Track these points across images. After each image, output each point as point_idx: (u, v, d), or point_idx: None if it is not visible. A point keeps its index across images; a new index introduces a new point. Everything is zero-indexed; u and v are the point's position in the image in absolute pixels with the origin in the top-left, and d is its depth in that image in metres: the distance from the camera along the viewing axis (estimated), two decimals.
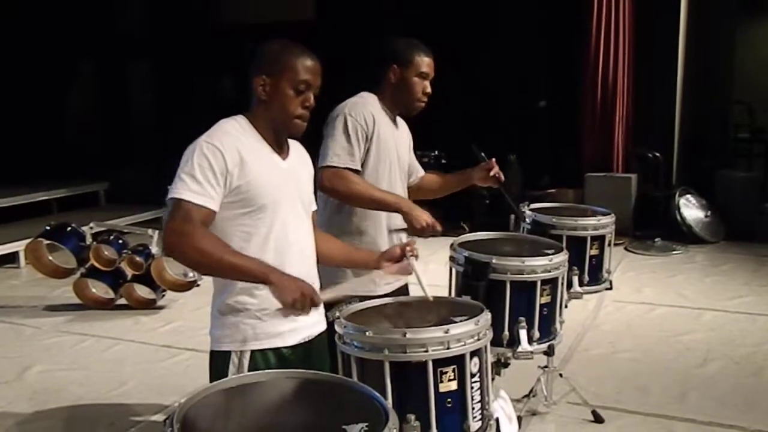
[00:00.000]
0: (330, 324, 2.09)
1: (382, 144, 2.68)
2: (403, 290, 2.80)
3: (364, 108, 2.65)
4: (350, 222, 2.68)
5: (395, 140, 2.77)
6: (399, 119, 2.86)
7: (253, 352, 2.05)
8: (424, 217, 2.58)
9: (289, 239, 2.07)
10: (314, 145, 2.55)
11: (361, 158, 2.63)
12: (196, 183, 1.92)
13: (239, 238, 2.01)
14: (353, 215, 2.69)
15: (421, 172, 3.05)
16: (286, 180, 2.09)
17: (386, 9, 8.92)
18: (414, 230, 2.62)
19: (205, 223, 1.93)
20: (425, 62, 2.71)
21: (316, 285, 2.14)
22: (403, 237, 2.72)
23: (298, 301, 1.86)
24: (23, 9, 8.64)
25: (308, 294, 1.88)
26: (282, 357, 2.08)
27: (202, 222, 1.92)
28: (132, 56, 9.94)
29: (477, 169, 2.96)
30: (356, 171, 2.60)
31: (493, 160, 2.96)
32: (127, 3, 9.80)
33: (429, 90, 2.75)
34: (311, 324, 2.16)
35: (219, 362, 2.08)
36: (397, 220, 2.71)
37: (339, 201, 2.64)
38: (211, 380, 2.03)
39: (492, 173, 2.93)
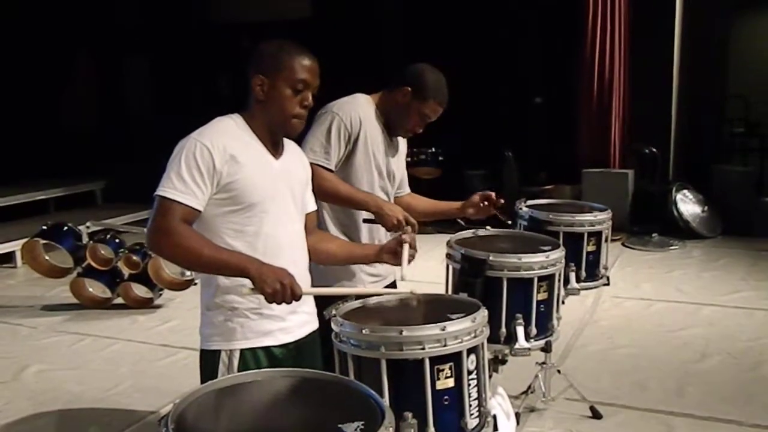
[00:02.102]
0: (324, 322, 2.08)
1: (368, 147, 2.66)
2: (391, 287, 2.79)
3: (353, 109, 2.63)
4: (323, 217, 2.67)
5: (384, 147, 2.74)
6: None
7: (242, 351, 2.05)
8: (396, 214, 2.54)
9: (280, 239, 2.07)
10: None
11: (339, 159, 2.62)
12: (181, 181, 1.92)
13: (228, 236, 2.01)
14: (327, 210, 2.68)
15: (406, 189, 2.98)
16: (278, 180, 2.08)
17: (383, 7, 8.92)
18: (387, 228, 2.60)
19: (188, 221, 1.94)
20: (434, 109, 2.67)
21: (308, 284, 2.14)
22: (381, 228, 2.70)
23: (278, 293, 1.86)
24: (20, 4, 8.60)
25: (288, 284, 1.87)
26: (273, 356, 2.07)
27: (184, 220, 1.92)
28: (130, 53, 9.92)
29: (468, 203, 2.89)
30: (329, 170, 2.59)
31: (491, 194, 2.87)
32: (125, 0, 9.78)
33: (420, 131, 2.74)
34: (302, 323, 2.15)
35: (209, 361, 2.07)
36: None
37: None
38: (202, 379, 2.04)
39: (481, 204, 2.86)
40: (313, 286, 2.21)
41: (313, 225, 2.33)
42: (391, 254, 2.31)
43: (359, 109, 2.65)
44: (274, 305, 1.92)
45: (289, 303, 1.90)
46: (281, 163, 2.11)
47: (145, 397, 3.80)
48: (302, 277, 2.12)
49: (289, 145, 2.19)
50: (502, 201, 2.84)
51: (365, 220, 2.66)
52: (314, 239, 2.28)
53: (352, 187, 2.64)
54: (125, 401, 3.78)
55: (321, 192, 2.54)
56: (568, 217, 3.26)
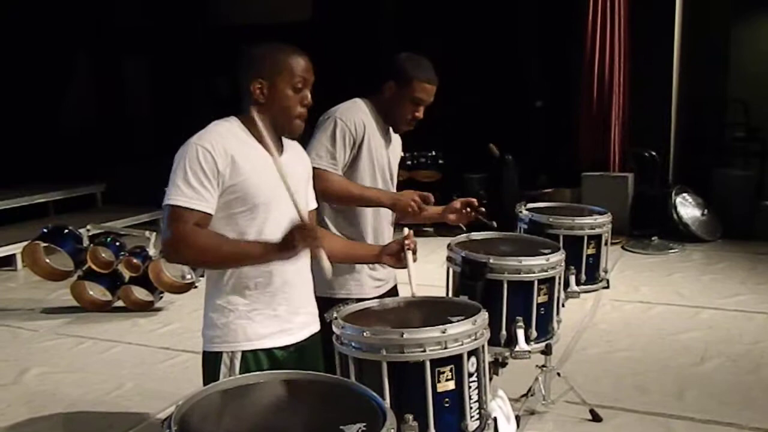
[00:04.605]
0: (325, 325, 2.09)
1: (371, 152, 2.67)
2: (393, 292, 2.80)
3: (356, 114, 2.63)
4: (326, 227, 2.66)
5: (385, 150, 2.75)
6: (393, 133, 2.84)
7: (244, 353, 2.06)
8: (411, 198, 2.56)
9: None
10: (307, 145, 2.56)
11: (345, 164, 2.62)
12: (188, 187, 1.93)
13: (232, 236, 2.01)
14: (331, 221, 2.69)
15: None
16: (278, 180, 2.09)
17: (384, 9, 8.93)
18: (406, 217, 2.60)
19: (201, 226, 1.95)
20: (423, 89, 2.64)
21: (309, 283, 2.17)
22: (388, 233, 2.70)
23: (300, 241, 1.86)
24: (20, 5, 8.60)
25: (306, 229, 1.88)
26: (274, 358, 2.08)
27: (197, 225, 1.93)
28: (129, 55, 9.93)
29: (448, 208, 2.85)
30: (336, 175, 2.59)
31: (470, 200, 2.83)
32: (125, 1, 9.79)
33: (420, 116, 2.70)
34: (304, 324, 2.17)
35: (211, 363, 2.08)
36: (381, 223, 2.70)
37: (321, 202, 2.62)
38: (204, 381, 2.04)
39: (463, 210, 2.82)
40: (317, 289, 2.23)
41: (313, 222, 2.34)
42: (392, 256, 2.32)
43: (361, 114, 2.65)
44: (277, 307, 1.92)
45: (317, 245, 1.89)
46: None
47: (146, 399, 3.80)
48: (304, 277, 2.15)
49: (289, 144, 2.19)
50: (483, 209, 2.82)
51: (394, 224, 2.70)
52: None
53: (362, 186, 2.65)
54: (126, 404, 3.78)
55: (332, 195, 2.56)
56: (568, 221, 3.28)
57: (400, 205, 2.59)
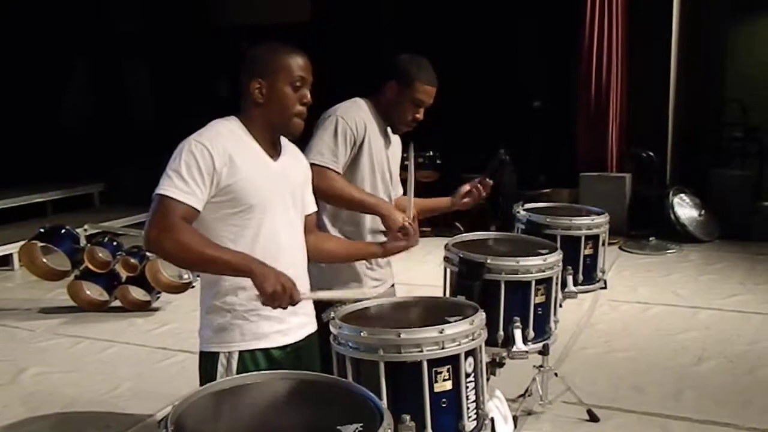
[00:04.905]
0: (323, 325, 2.09)
1: (372, 152, 2.67)
2: (390, 292, 2.80)
3: (357, 114, 2.63)
4: (324, 226, 2.66)
5: (385, 151, 2.75)
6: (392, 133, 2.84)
7: (241, 353, 2.05)
8: (402, 219, 2.57)
9: (279, 240, 2.08)
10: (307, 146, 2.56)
11: (345, 162, 2.62)
12: (181, 180, 1.93)
13: (228, 238, 2.02)
14: (330, 219, 2.69)
15: (399, 191, 2.96)
16: (276, 181, 2.09)
17: (384, 9, 8.94)
18: (392, 233, 2.61)
19: (187, 220, 1.94)
20: (425, 90, 2.65)
21: (306, 287, 2.16)
22: (382, 239, 2.71)
23: (277, 294, 1.86)
24: (19, 7, 8.60)
25: (288, 288, 1.87)
26: (271, 358, 2.08)
27: (183, 218, 1.92)
28: (129, 56, 9.93)
29: (459, 195, 2.89)
30: (337, 173, 2.59)
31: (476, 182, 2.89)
32: (125, 2, 9.79)
33: (420, 117, 2.70)
34: (301, 325, 2.16)
35: (208, 363, 2.08)
36: (378, 223, 2.70)
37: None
38: (201, 381, 2.04)
39: (471, 192, 2.87)
40: (319, 288, 2.22)
41: (314, 225, 2.34)
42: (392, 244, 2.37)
43: (362, 114, 2.65)
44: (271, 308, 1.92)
45: (284, 308, 1.90)
46: (280, 165, 2.12)
47: (143, 400, 3.80)
48: (301, 279, 2.13)
49: (287, 146, 2.20)
50: (491, 181, 2.85)
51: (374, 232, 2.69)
52: (315, 239, 2.30)
53: (363, 190, 2.65)
54: (123, 404, 3.78)
55: (332, 194, 2.55)
56: (566, 221, 3.28)
57: (391, 218, 2.56)
